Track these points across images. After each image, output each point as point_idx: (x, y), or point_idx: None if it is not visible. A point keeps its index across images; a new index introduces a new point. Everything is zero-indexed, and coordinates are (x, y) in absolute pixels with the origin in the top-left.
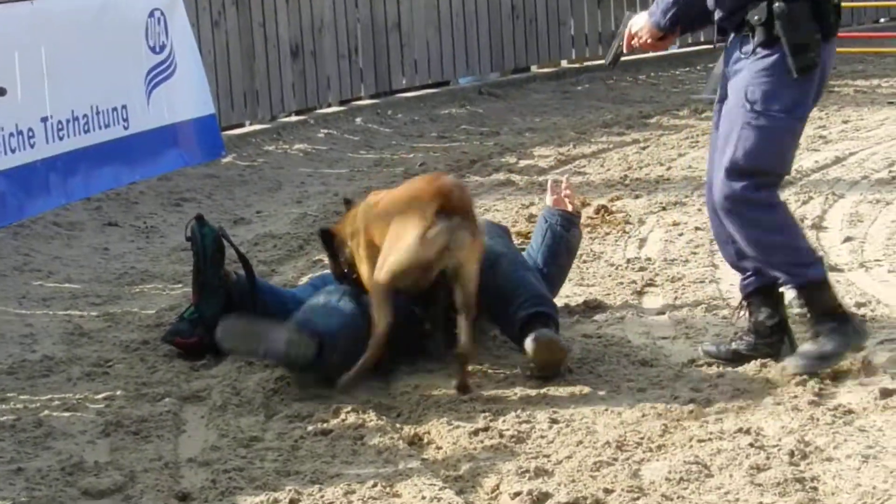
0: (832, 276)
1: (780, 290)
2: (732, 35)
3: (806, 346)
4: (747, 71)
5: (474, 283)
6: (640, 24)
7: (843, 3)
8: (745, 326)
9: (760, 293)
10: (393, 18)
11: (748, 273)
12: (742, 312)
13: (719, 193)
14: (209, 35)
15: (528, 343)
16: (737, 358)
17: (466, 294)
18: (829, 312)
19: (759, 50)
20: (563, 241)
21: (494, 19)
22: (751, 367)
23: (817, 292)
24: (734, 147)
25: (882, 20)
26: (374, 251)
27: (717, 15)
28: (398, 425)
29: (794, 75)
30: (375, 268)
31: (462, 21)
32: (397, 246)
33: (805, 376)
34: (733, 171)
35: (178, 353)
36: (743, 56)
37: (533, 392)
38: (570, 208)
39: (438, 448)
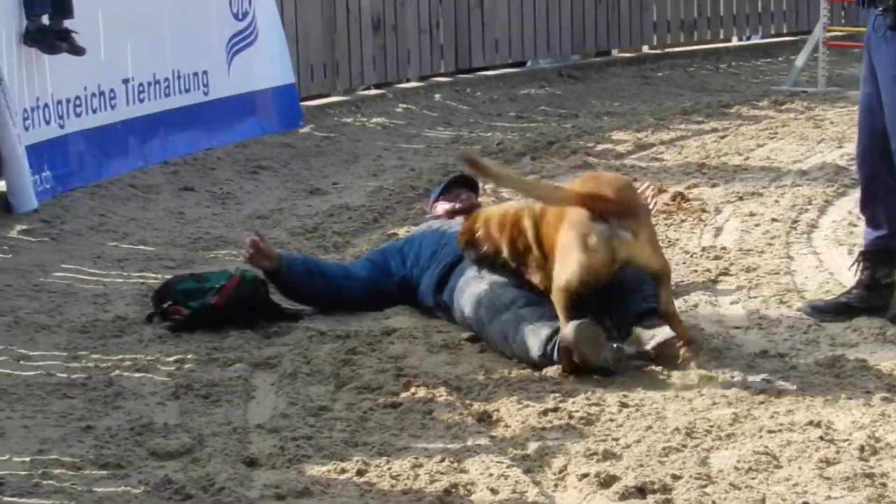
0: None
1: None
2: (868, 8)
3: None
4: (889, 53)
5: (654, 261)
6: None
7: None
8: (858, 280)
9: (886, 252)
10: None
11: (884, 233)
12: (859, 267)
13: None
14: (292, 4)
15: (659, 334)
16: (847, 310)
17: (652, 271)
18: None
19: (890, 33)
20: None
21: (577, 2)
22: (823, 360)
23: None
24: None
25: None
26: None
27: None
28: (468, 402)
29: None
30: (554, 279)
31: (544, 2)
32: (566, 260)
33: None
34: None
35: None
36: (879, 35)
37: (603, 376)
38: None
39: (507, 426)
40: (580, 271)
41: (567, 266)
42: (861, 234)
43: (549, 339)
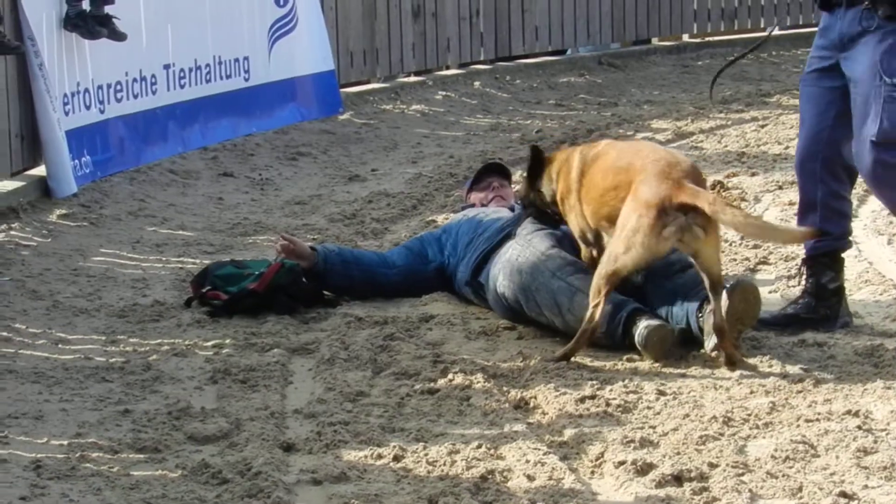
0: None
1: (843, 255)
2: (843, 8)
3: None
4: (874, 45)
5: (716, 266)
6: None
7: None
8: (804, 289)
9: (828, 257)
10: None
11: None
12: (803, 275)
13: (870, 164)
14: None
15: (725, 294)
16: (794, 322)
17: (710, 276)
18: None
19: (884, 23)
20: None
21: None
22: (861, 349)
23: None
24: (879, 120)
25: None
26: (588, 204)
27: None
28: (505, 388)
29: None
30: (606, 257)
31: None
32: (629, 240)
33: None
34: (883, 143)
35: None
36: (865, 29)
37: (641, 364)
38: None
39: (544, 413)
40: (640, 257)
41: (625, 249)
42: None
43: (613, 316)
